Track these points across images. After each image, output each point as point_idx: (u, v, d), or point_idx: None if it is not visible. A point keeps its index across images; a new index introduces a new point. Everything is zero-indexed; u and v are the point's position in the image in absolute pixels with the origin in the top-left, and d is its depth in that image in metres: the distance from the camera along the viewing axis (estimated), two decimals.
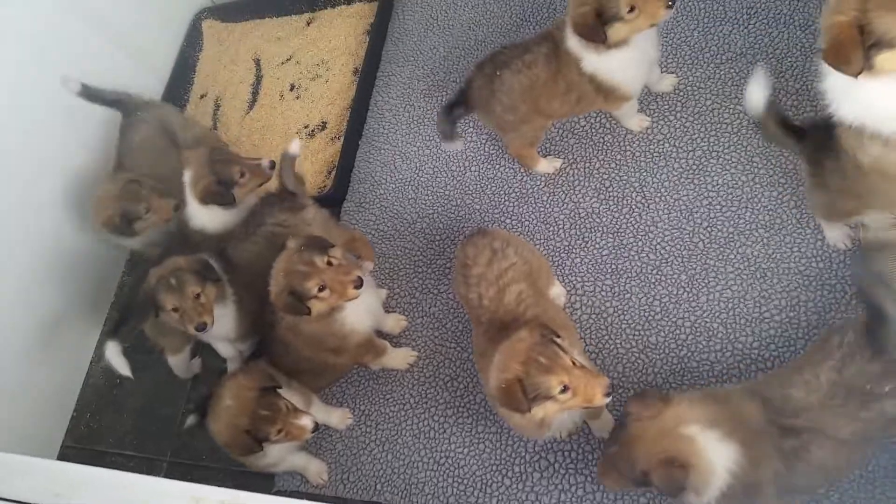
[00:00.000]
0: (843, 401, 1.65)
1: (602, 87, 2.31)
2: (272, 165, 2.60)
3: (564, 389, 1.72)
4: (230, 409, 2.12)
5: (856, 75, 1.62)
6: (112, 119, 3.11)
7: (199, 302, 2.35)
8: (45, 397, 3.07)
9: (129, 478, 1.63)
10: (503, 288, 2.04)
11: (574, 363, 1.75)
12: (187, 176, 2.60)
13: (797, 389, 1.70)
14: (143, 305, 2.45)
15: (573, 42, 2.23)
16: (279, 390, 2.19)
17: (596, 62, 2.24)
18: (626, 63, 2.25)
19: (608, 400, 1.76)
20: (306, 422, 2.14)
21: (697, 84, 2.62)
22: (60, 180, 3.14)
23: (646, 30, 2.13)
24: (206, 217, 2.63)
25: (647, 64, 2.35)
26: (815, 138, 1.96)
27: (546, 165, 2.71)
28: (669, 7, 2.06)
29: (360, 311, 2.34)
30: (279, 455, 2.33)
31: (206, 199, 2.57)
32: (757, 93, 2.04)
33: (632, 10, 2.05)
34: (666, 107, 2.63)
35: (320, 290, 2.13)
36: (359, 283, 2.15)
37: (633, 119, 2.62)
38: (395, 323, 2.66)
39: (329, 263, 2.15)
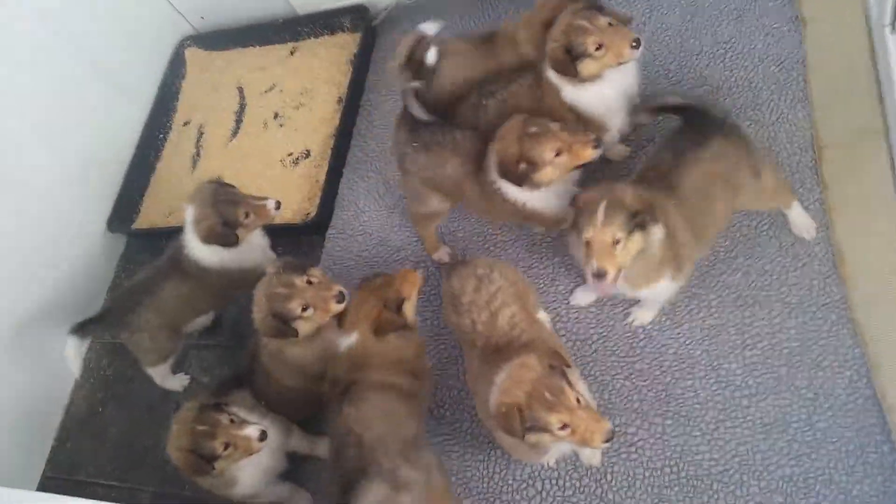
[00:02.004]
0: None
1: (582, 117, 2.37)
2: (277, 206, 2.53)
3: (563, 427, 1.72)
4: (173, 431, 2.11)
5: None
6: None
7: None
8: (25, 426, 3.02)
9: None
10: (495, 312, 2.05)
11: (578, 401, 1.74)
12: (190, 213, 2.53)
13: None
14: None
15: (552, 73, 2.30)
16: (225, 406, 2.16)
17: (573, 93, 2.32)
18: (602, 96, 2.31)
19: (607, 445, 1.76)
20: (251, 431, 2.09)
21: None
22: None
23: (616, 66, 2.20)
24: (204, 252, 2.57)
25: (624, 97, 2.39)
26: None
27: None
28: (635, 47, 2.14)
29: None
30: (254, 483, 2.28)
31: (209, 239, 2.50)
32: None
33: (599, 47, 2.15)
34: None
35: (304, 309, 2.14)
36: (341, 298, 2.17)
37: (614, 149, 2.68)
38: None
39: (309, 282, 2.16)
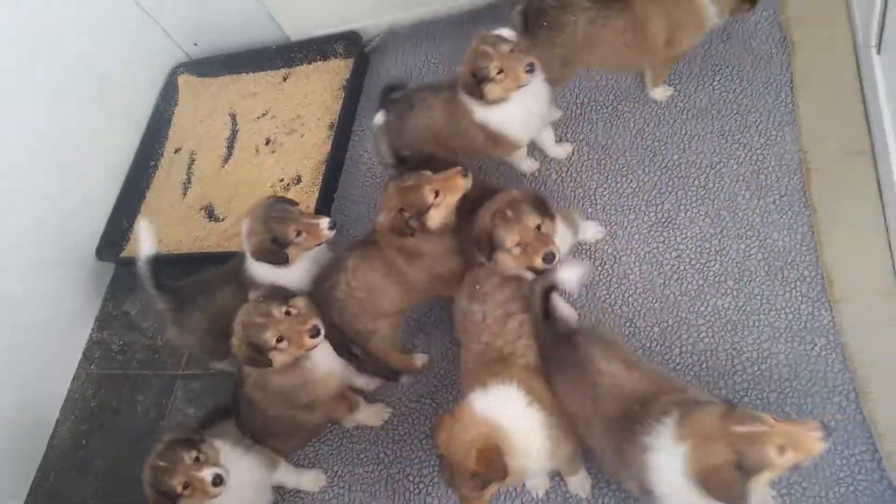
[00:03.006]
0: None
1: (492, 135, 2.50)
2: (332, 226, 2.41)
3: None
4: (147, 465, 2.08)
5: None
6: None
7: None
8: (6, 459, 2.98)
9: None
10: (508, 313, 2.04)
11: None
12: (244, 226, 2.45)
13: None
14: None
15: (464, 96, 2.44)
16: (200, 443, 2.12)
17: (483, 113, 2.45)
18: (509, 116, 2.45)
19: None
20: (205, 474, 2.04)
21: (664, 139, 2.68)
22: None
23: (516, 90, 2.34)
24: (258, 269, 2.48)
25: (534, 117, 2.52)
26: None
27: None
28: (529, 71, 2.28)
29: (329, 354, 2.31)
30: None
31: (258, 256, 2.39)
32: None
33: (500, 72, 2.30)
34: (635, 161, 2.68)
35: (278, 340, 2.12)
36: (315, 332, 2.14)
37: (524, 163, 2.79)
38: (368, 378, 2.63)
39: (287, 313, 2.14)
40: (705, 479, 1.55)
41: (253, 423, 2.36)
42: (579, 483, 2.18)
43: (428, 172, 2.22)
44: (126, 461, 2.90)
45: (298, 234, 2.37)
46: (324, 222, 2.40)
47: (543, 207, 2.06)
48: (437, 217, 2.21)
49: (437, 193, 2.19)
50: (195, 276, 2.76)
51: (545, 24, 2.48)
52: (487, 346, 2.01)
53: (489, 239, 2.04)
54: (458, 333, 2.19)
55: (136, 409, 2.86)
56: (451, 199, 2.21)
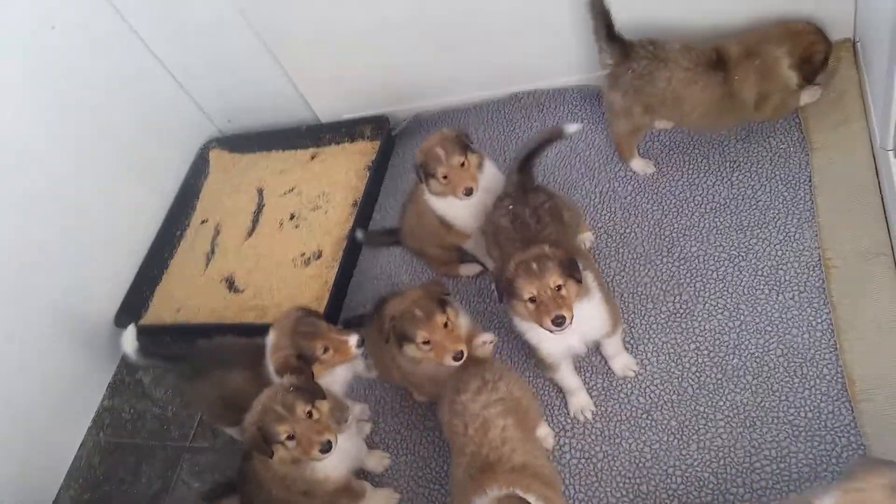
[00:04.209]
0: None
1: (446, 223, 2.75)
2: (360, 343, 2.34)
3: None
4: None
5: None
6: None
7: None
8: None
9: None
10: (488, 420, 2.01)
11: None
12: (270, 339, 2.38)
13: None
14: None
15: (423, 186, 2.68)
16: None
17: (436, 204, 2.70)
18: (459, 209, 2.68)
19: None
20: None
21: (683, 231, 2.70)
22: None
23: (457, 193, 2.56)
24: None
25: (481, 209, 2.65)
26: None
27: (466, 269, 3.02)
28: (467, 194, 2.54)
29: (334, 460, 2.24)
30: None
31: (283, 371, 2.27)
32: None
33: (446, 178, 2.55)
34: (653, 251, 2.70)
35: (288, 438, 2.09)
36: (326, 448, 2.09)
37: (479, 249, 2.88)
38: (377, 461, 2.59)
39: (309, 414, 2.11)
40: None
41: (258, 499, 2.32)
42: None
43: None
44: None
45: (326, 350, 2.32)
46: (353, 339, 2.34)
47: (570, 269, 2.07)
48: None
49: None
50: (216, 341, 2.72)
51: (632, 70, 2.65)
52: (473, 455, 1.98)
53: (510, 286, 2.08)
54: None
55: (140, 481, 2.82)
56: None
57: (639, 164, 2.94)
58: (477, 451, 1.97)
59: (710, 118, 2.71)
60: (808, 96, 2.74)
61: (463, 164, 2.54)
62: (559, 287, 2.04)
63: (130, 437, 3.15)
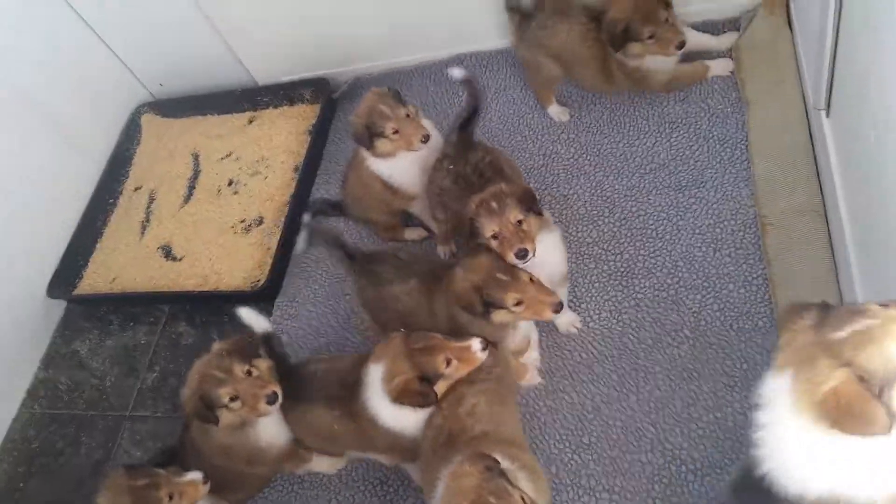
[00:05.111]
0: None
1: (387, 185, 2.70)
2: (485, 346, 2.02)
3: None
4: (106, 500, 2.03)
5: None
6: None
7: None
8: None
9: None
10: (463, 395, 2.00)
11: (524, 499, 1.62)
12: (377, 370, 2.05)
13: None
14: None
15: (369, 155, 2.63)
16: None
17: (379, 167, 2.65)
18: (400, 170, 2.63)
19: None
20: (194, 476, 2.04)
21: (623, 192, 2.74)
22: None
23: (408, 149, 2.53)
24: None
25: (425, 167, 2.61)
26: None
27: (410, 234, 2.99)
28: (424, 142, 2.49)
29: (278, 425, 2.25)
30: None
31: (404, 400, 1.99)
32: None
33: (396, 132, 2.50)
34: (595, 212, 2.73)
35: (232, 399, 2.06)
36: (272, 398, 2.08)
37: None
38: (330, 462, 2.52)
39: (248, 373, 2.09)
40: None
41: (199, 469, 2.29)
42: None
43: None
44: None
45: (448, 363, 1.99)
46: (476, 344, 2.01)
47: (530, 204, 2.10)
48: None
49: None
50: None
51: (536, 22, 2.74)
52: (439, 428, 1.98)
53: (471, 226, 2.10)
54: None
55: (79, 452, 2.74)
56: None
57: (555, 111, 3.02)
58: (443, 423, 1.97)
59: (599, 80, 2.78)
60: (718, 68, 2.83)
61: (408, 116, 2.51)
62: (520, 222, 2.07)
63: (68, 408, 3.05)
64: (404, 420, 2.05)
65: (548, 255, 2.19)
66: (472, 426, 1.94)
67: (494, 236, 2.08)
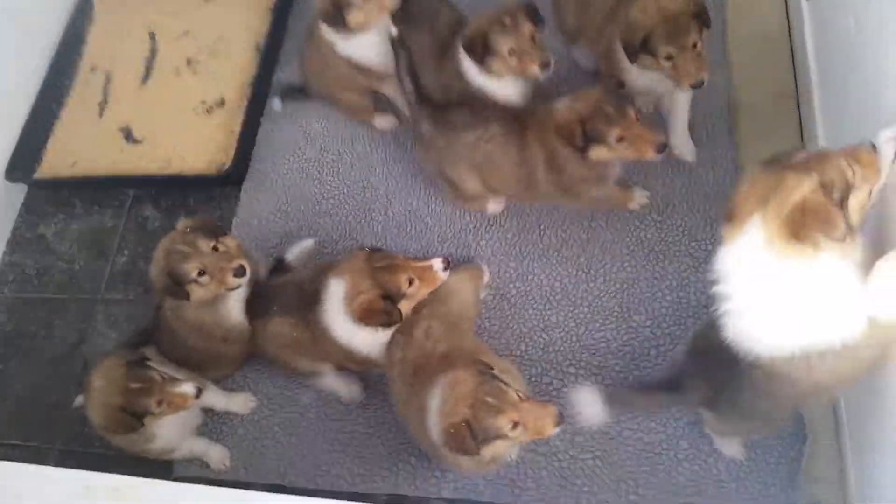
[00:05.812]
0: None
1: (358, 68, 2.56)
2: (446, 266, 2.03)
3: (514, 426, 1.67)
4: (101, 389, 2.01)
5: None
6: None
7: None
8: None
9: (15, 467, 1.54)
10: (413, 323, 2.01)
11: (520, 397, 1.69)
12: (339, 286, 2.03)
13: None
14: None
15: (325, 29, 2.46)
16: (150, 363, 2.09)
17: (345, 46, 2.49)
18: (374, 44, 2.46)
19: (558, 430, 1.70)
20: (186, 388, 2.02)
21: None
22: None
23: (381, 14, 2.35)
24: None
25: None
26: None
27: (381, 122, 2.89)
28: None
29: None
30: (171, 438, 2.23)
31: (367, 320, 1.99)
32: None
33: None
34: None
35: (200, 274, 2.06)
36: (240, 272, 2.09)
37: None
38: (242, 403, 2.53)
39: (215, 248, 2.09)
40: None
41: (175, 352, 2.34)
42: None
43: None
44: (45, 386, 2.81)
45: (411, 283, 1.99)
46: (437, 263, 2.02)
47: (537, 16, 2.13)
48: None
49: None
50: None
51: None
52: (403, 362, 1.99)
53: (484, 41, 2.10)
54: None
55: (53, 334, 2.76)
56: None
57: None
58: (404, 354, 1.99)
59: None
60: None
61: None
62: (533, 36, 2.11)
63: (38, 291, 3.04)
64: (359, 338, 2.07)
65: None
66: (434, 347, 1.97)
67: (512, 51, 2.11)
